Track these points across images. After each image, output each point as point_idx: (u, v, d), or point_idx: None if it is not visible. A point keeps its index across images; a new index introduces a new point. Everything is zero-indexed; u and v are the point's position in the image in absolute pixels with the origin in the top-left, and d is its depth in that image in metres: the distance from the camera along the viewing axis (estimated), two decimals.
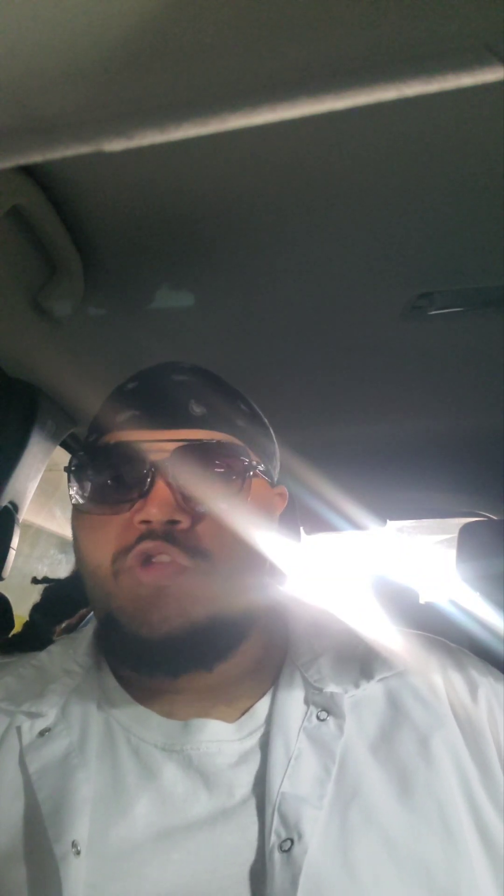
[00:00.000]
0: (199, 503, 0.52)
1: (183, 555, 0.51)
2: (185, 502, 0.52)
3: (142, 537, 0.51)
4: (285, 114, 0.31)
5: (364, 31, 0.29)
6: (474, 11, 0.27)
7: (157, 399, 0.57)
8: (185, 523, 0.52)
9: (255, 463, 0.57)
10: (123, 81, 0.31)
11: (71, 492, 0.57)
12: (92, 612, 1.05)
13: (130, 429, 0.56)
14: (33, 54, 0.30)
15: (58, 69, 0.31)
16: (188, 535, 0.52)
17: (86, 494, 0.56)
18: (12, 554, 0.99)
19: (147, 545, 0.51)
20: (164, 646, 0.50)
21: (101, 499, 0.55)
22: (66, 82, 0.31)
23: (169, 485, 0.52)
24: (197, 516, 0.52)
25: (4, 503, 0.95)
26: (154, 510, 0.51)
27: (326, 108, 0.31)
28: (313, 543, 2.02)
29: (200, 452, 0.54)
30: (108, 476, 0.55)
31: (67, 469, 0.58)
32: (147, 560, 0.51)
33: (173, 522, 0.51)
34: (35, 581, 1.00)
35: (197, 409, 0.57)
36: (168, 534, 0.51)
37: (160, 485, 0.52)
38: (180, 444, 0.54)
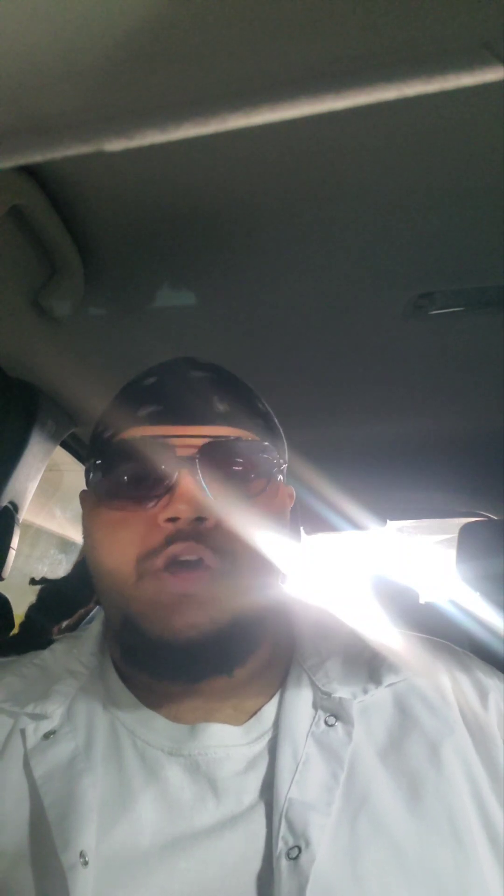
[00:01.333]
0: (226, 501, 0.52)
1: (211, 554, 0.50)
2: (212, 500, 0.51)
3: (170, 539, 0.50)
4: (285, 114, 0.31)
5: (364, 31, 0.29)
6: (474, 11, 0.27)
7: (179, 394, 0.56)
8: (211, 521, 0.51)
9: (277, 462, 0.57)
10: (123, 81, 0.31)
11: (89, 487, 0.56)
12: (92, 612, 1.05)
13: (153, 424, 0.55)
14: (33, 54, 0.30)
15: (58, 69, 0.31)
16: (215, 533, 0.51)
17: (106, 490, 0.54)
18: (12, 554, 0.99)
19: (178, 548, 0.50)
20: (188, 651, 0.49)
21: (123, 495, 0.54)
22: (66, 82, 0.31)
23: (196, 482, 0.51)
24: (223, 514, 0.51)
25: (4, 503, 0.95)
26: (182, 507, 0.50)
27: (326, 108, 0.31)
28: (313, 543, 2.02)
29: (227, 450, 0.54)
30: (131, 472, 0.54)
31: (87, 464, 0.56)
32: (174, 563, 0.50)
33: (200, 520, 0.50)
34: (33, 582, 1.00)
35: (220, 406, 0.56)
36: (196, 532, 0.50)
37: (187, 481, 0.51)
38: (207, 440, 0.53)
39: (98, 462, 0.56)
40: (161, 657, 0.51)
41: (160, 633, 0.50)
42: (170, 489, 0.51)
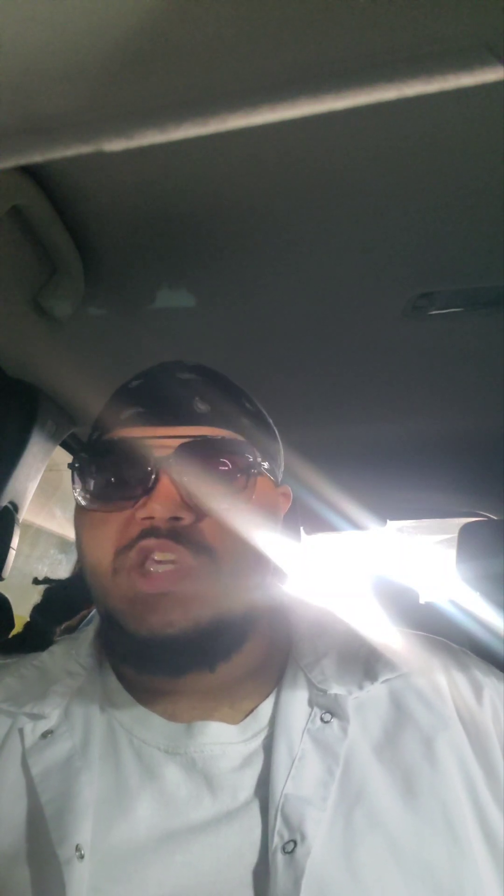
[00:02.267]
0: (203, 500, 0.52)
1: (187, 552, 0.51)
2: (189, 499, 0.52)
3: (144, 533, 0.51)
4: (285, 114, 0.31)
5: (364, 31, 0.29)
6: (474, 12, 0.27)
7: (161, 396, 0.57)
8: (188, 520, 0.51)
9: (259, 461, 0.57)
10: (123, 81, 0.31)
11: (74, 488, 0.57)
12: (91, 613, 1.06)
13: (134, 426, 0.55)
14: (33, 54, 0.30)
15: (58, 69, 0.31)
16: (192, 531, 0.51)
17: (89, 491, 0.55)
18: (12, 554, 0.99)
19: (149, 542, 0.51)
20: (166, 646, 0.50)
21: (104, 495, 0.55)
22: (66, 82, 0.31)
23: (173, 481, 0.52)
24: (201, 513, 0.52)
25: (4, 503, 0.95)
26: (157, 506, 0.50)
27: (326, 108, 0.31)
28: (313, 543, 2.02)
29: (204, 449, 0.54)
30: (111, 473, 0.55)
31: (71, 466, 0.57)
32: (146, 565, 0.50)
33: (176, 519, 0.51)
34: (36, 582, 1.00)
35: (201, 407, 0.56)
36: (172, 531, 0.51)
37: (164, 481, 0.51)
38: (184, 440, 0.53)
39: (80, 463, 0.57)
40: (139, 651, 0.51)
41: (136, 629, 0.50)
42: (148, 489, 0.52)
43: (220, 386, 0.61)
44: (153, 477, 0.52)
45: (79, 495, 0.56)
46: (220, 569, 0.52)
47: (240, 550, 0.53)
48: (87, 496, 0.55)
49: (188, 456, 0.53)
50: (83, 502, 0.56)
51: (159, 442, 0.53)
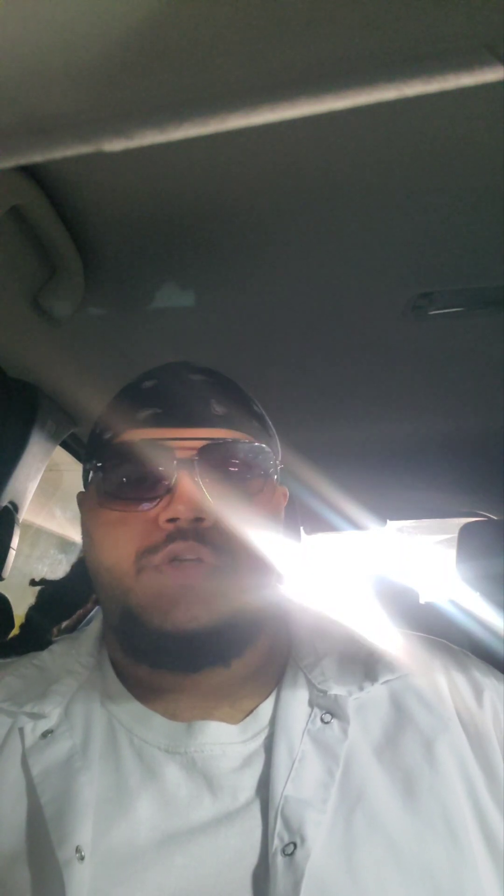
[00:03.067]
0: (224, 502, 0.53)
1: (210, 553, 0.52)
2: (210, 501, 0.52)
3: (171, 537, 0.52)
4: (285, 114, 0.31)
5: (364, 31, 0.29)
6: (474, 11, 0.27)
7: (178, 397, 0.58)
8: (209, 521, 0.52)
9: (272, 462, 0.59)
10: (123, 81, 0.31)
11: (88, 488, 0.57)
12: (91, 612, 1.05)
13: (152, 427, 0.56)
14: (33, 54, 0.30)
15: (58, 69, 0.31)
16: (213, 532, 0.52)
17: (107, 491, 0.56)
18: (12, 554, 0.99)
19: (178, 546, 0.51)
20: (188, 641, 0.50)
21: (123, 495, 0.55)
22: (66, 82, 0.31)
23: (195, 483, 0.52)
24: (221, 515, 0.53)
25: (4, 503, 0.95)
26: (182, 507, 0.51)
27: (326, 108, 0.31)
28: (313, 543, 2.02)
29: (225, 451, 0.55)
30: (131, 473, 0.55)
31: (88, 465, 0.58)
32: (176, 560, 0.51)
33: (199, 520, 0.52)
34: (33, 583, 1.00)
35: (219, 409, 0.57)
36: (196, 532, 0.52)
37: (187, 482, 0.52)
38: (206, 442, 0.54)
39: (98, 464, 0.57)
40: (161, 647, 0.52)
41: (160, 625, 0.51)
42: (170, 490, 0.52)
43: (229, 388, 0.62)
44: (175, 478, 0.52)
45: (95, 494, 0.56)
46: (239, 568, 0.53)
47: (256, 551, 0.54)
48: (105, 495, 0.56)
49: (209, 458, 0.54)
50: (100, 501, 0.56)
51: (180, 444, 0.54)
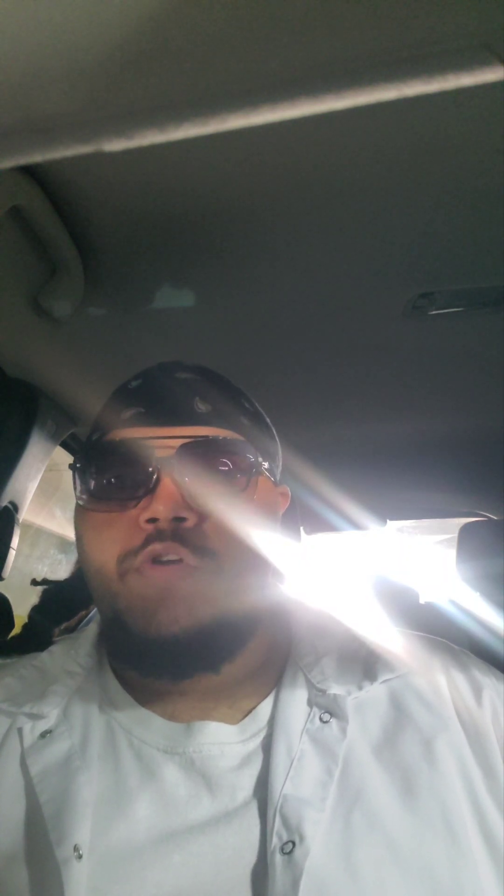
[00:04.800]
0: (205, 501, 0.52)
1: (191, 554, 0.51)
2: (192, 500, 0.52)
3: (150, 538, 0.51)
4: (285, 114, 0.31)
5: (364, 31, 0.29)
6: (474, 11, 0.27)
7: (161, 396, 0.57)
8: (191, 521, 0.51)
9: (259, 460, 0.57)
10: (123, 81, 0.31)
11: (75, 490, 0.56)
12: (91, 613, 1.06)
13: (135, 426, 0.55)
14: (33, 54, 0.30)
15: (58, 69, 0.31)
16: (195, 533, 0.51)
17: (90, 492, 0.55)
18: (12, 554, 0.99)
19: (156, 547, 0.50)
20: (172, 647, 0.50)
21: (106, 496, 0.54)
22: (66, 82, 0.31)
23: (175, 482, 0.52)
24: (203, 514, 0.52)
25: (4, 503, 0.95)
26: (161, 507, 0.50)
27: (326, 108, 0.31)
28: (313, 543, 2.02)
29: (206, 449, 0.54)
30: (112, 474, 0.55)
31: (72, 467, 0.57)
32: (156, 560, 0.51)
33: (179, 520, 0.51)
34: (34, 583, 1.00)
35: (202, 407, 0.56)
36: (176, 532, 0.51)
37: (166, 482, 0.51)
38: (186, 440, 0.53)
39: (78, 465, 0.56)
40: (146, 654, 0.51)
41: (144, 630, 0.50)
42: (150, 490, 0.52)
43: (219, 386, 0.61)
44: (155, 478, 0.52)
45: (80, 496, 0.56)
46: (223, 570, 0.52)
47: (241, 551, 0.53)
48: (89, 497, 0.55)
49: (189, 456, 0.53)
50: (84, 503, 0.55)
51: (160, 442, 0.53)
